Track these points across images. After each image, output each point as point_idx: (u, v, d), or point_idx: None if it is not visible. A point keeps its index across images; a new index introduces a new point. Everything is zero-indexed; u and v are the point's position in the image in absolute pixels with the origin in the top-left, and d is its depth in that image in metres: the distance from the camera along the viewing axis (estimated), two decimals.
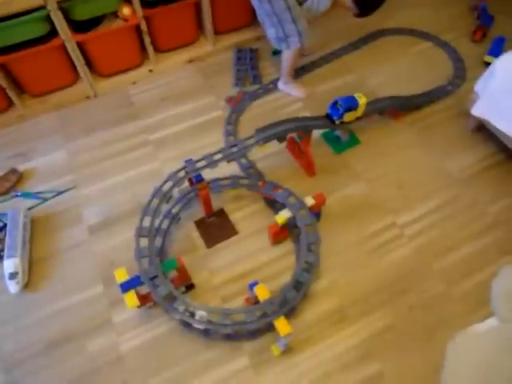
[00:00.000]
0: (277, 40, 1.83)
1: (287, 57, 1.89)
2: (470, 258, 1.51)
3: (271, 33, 1.82)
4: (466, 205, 1.65)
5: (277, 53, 2.15)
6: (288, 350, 1.32)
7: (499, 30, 2.22)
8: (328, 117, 1.63)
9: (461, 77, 2.07)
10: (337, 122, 1.62)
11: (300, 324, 1.38)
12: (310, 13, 1.76)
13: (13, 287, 1.45)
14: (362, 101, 1.59)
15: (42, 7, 1.66)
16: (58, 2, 1.67)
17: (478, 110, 1.69)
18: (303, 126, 1.59)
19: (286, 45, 1.82)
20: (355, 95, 1.60)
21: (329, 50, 2.23)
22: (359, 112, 1.64)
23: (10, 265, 1.46)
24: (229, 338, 1.34)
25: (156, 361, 1.33)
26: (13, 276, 1.45)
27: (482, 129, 1.80)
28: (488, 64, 1.81)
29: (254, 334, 1.34)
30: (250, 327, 1.26)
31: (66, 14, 1.75)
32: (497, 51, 2.04)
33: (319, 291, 1.45)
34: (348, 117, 1.62)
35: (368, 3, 1.73)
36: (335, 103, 1.60)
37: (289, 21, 1.71)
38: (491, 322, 1.17)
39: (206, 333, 1.35)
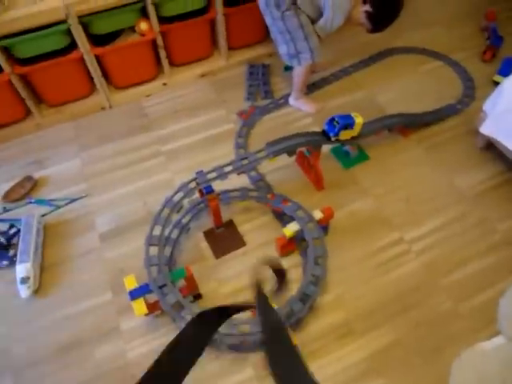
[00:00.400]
0: (288, 56, 1.87)
1: (298, 73, 1.93)
2: (477, 275, 1.51)
3: (283, 49, 1.86)
4: (474, 222, 1.65)
5: (288, 69, 2.20)
6: None
7: (509, 51, 2.25)
8: (324, 133, 1.64)
9: (470, 96, 2.09)
10: (332, 139, 1.62)
11: (305, 337, 1.38)
12: (323, 31, 1.80)
13: (24, 292, 1.48)
14: (359, 120, 1.60)
15: (63, 21, 1.72)
16: (78, 17, 1.73)
17: (486, 129, 1.71)
18: (313, 141, 1.62)
19: (297, 61, 1.86)
20: (352, 114, 1.60)
21: (339, 67, 2.27)
22: (355, 131, 1.64)
23: (21, 270, 1.49)
24: (234, 348, 1.35)
25: None
26: (24, 281, 1.48)
27: (491, 147, 1.81)
28: (497, 83, 1.84)
29: (259, 345, 1.35)
30: (255, 338, 1.27)
31: (85, 27, 1.81)
32: (506, 71, 2.06)
33: (325, 305, 1.45)
34: (344, 135, 1.62)
35: (381, 19, 1.73)
36: (332, 120, 1.60)
37: (301, 38, 1.76)
38: (498, 340, 1.17)
39: (211, 342, 1.35)
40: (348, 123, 1.59)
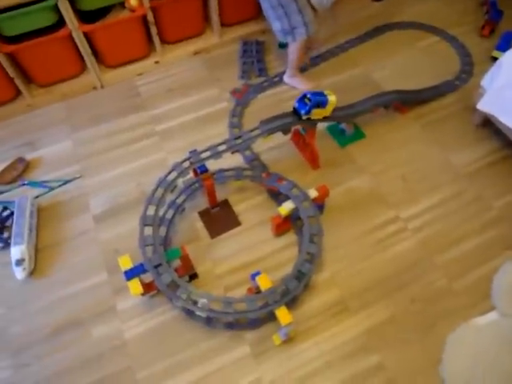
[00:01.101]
0: (282, 32, 1.83)
1: (293, 49, 1.89)
2: (472, 252, 1.52)
3: (277, 26, 1.82)
4: (470, 199, 1.64)
5: (283, 46, 2.15)
6: (289, 340, 1.33)
7: (508, 25, 2.20)
8: (295, 111, 1.54)
9: (468, 72, 2.05)
10: (303, 118, 1.52)
11: (301, 315, 1.39)
12: (320, 5, 1.75)
13: (19, 274, 1.48)
14: (332, 99, 1.51)
15: None
16: None
17: (484, 105, 1.69)
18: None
19: (292, 37, 1.82)
20: (325, 92, 1.51)
21: (335, 43, 2.22)
22: (328, 111, 1.55)
23: (16, 252, 1.48)
24: (230, 327, 1.36)
25: (159, 348, 1.35)
26: (19, 263, 1.47)
27: (488, 124, 1.79)
28: (496, 59, 1.80)
29: (255, 323, 1.36)
30: (251, 316, 1.28)
31: (73, 4, 1.76)
32: (505, 46, 2.02)
33: (321, 283, 1.46)
34: (316, 114, 1.53)
35: None
36: (303, 97, 1.51)
37: (295, 11, 1.71)
38: (492, 315, 1.18)
39: (208, 321, 1.36)
40: (320, 101, 1.49)
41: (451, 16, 2.33)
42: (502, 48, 2.03)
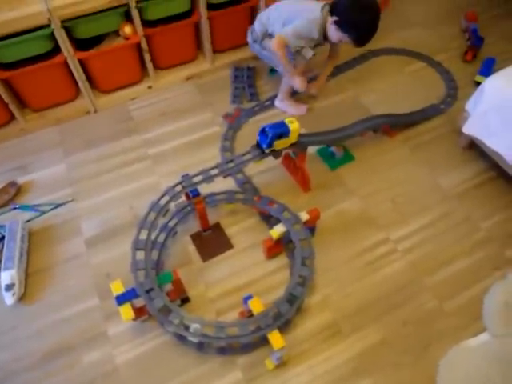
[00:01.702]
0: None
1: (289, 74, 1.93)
2: (462, 273, 1.53)
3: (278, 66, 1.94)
4: (458, 220, 1.67)
5: (273, 71, 2.21)
6: (281, 365, 1.33)
7: (489, 51, 2.29)
8: (258, 145, 1.52)
9: (453, 96, 2.12)
10: (266, 151, 1.51)
11: (294, 338, 1.38)
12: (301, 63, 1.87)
13: (9, 299, 1.46)
14: (294, 126, 1.46)
15: (47, 25, 1.71)
16: (61, 21, 1.72)
17: (468, 129, 1.74)
18: (298, 143, 1.63)
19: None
20: (286, 120, 1.47)
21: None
22: (292, 138, 1.51)
23: (6, 276, 1.47)
24: (222, 352, 1.35)
25: (150, 374, 1.33)
26: (9, 288, 1.46)
27: (474, 146, 1.84)
28: (479, 83, 1.87)
29: (247, 348, 1.35)
30: (243, 341, 1.27)
31: (69, 32, 1.80)
32: (487, 71, 2.10)
33: (313, 305, 1.46)
34: (279, 144, 1.50)
35: (363, 37, 1.74)
36: (263, 130, 1.48)
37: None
38: (483, 336, 1.19)
39: (199, 346, 1.35)
40: (282, 132, 1.46)
41: (435, 42, 2.41)
42: (484, 73, 2.11)
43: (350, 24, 1.69)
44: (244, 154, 1.55)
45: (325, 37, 1.79)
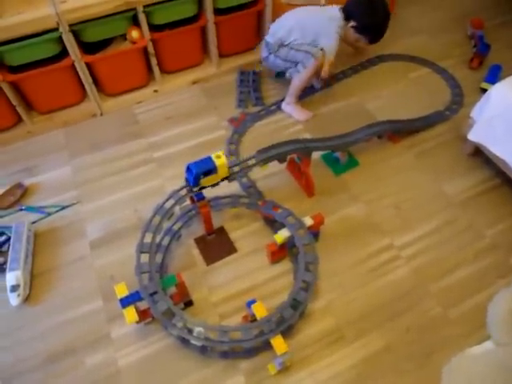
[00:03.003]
0: (294, 71, 1.99)
1: (302, 76, 1.97)
2: (466, 280, 1.53)
3: (290, 71, 2.02)
4: (462, 228, 1.67)
5: (279, 75, 2.22)
6: (284, 370, 1.32)
7: (495, 58, 2.28)
8: (187, 182, 1.44)
9: (458, 102, 2.12)
10: (194, 189, 1.43)
11: (297, 343, 1.38)
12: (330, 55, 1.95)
13: (14, 300, 1.47)
14: (221, 162, 1.37)
15: (55, 29, 1.73)
16: (69, 25, 1.74)
17: (474, 135, 1.73)
18: (303, 148, 1.63)
19: (301, 65, 1.94)
20: (213, 156, 1.38)
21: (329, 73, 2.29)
22: (222, 173, 1.43)
23: (11, 277, 1.48)
24: (225, 356, 1.35)
25: (153, 377, 1.33)
26: (14, 289, 1.47)
27: (479, 153, 1.84)
28: (485, 90, 1.87)
29: (250, 353, 1.35)
30: (246, 345, 1.27)
31: (76, 35, 1.82)
32: (493, 78, 2.10)
33: (316, 311, 1.46)
34: (208, 181, 1.42)
35: (379, 37, 1.99)
36: (188, 168, 1.40)
37: (300, 55, 1.93)
38: (487, 345, 1.18)
39: (202, 350, 1.35)
40: (207, 169, 1.37)
41: (441, 49, 2.42)
42: (490, 80, 2.10)
43: (367, 27, 1.94)
44: (249, 159, 1.56)
45: None
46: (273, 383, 1.31)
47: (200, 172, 1.37)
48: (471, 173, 1.84)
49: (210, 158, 1.38)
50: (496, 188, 1.79)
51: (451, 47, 2.43)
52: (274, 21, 2.04)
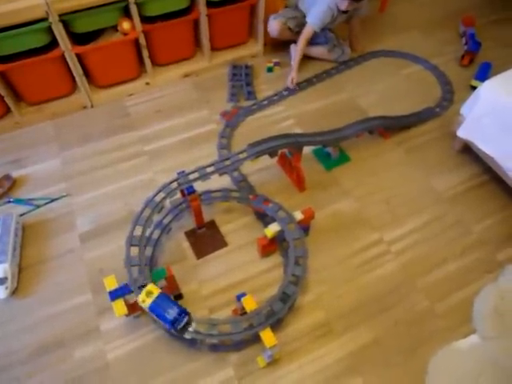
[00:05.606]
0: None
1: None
2: (453, 275, 1.55)
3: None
4: (451, 223, 1.69)
5: (271, 70, 2.22)
6: (273, 362, 1.33)
7: (486, 56, 2.31)
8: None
9: (448, 99, 2.13)
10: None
11: (286, 336, 1.39)
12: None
13: (1, 292, 1.46)
14: None
15: (44, 19, 1.70)
16: (59, 15, 1.71)
17: (463, 132, 1.75)
18: (295, 143, 1.63)
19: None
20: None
21: (322, 69, 2.29)
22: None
23: None
24: (214, 348, 1.36)
25: (141, 370, 1.33)
26: (2, 281, 1.46)
27: (468, 150, 1.86)
28: (475, 88, 1.88)
29: (239, 345, 1.36)
30: (236, 338, 1.28)
31: (67, 26, 1.79)
32: (483, 76, 2.12)
33: (306, 304, 1.47)
34: None
35: None
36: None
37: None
38: (473, 338, 1.20)
39: (192, 343, 1.36)
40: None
41: (432, 46, 2.43)
42: (480, 78, 2.12)
43: None
44: (240, 152, 1.56)
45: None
46: (262, 376, 1.32)
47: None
48: (460, 169, 1.86)
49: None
50: (484, 184, 1.81)
51: (443, 44, 2.45)
52: (266, 16, 2.04)
